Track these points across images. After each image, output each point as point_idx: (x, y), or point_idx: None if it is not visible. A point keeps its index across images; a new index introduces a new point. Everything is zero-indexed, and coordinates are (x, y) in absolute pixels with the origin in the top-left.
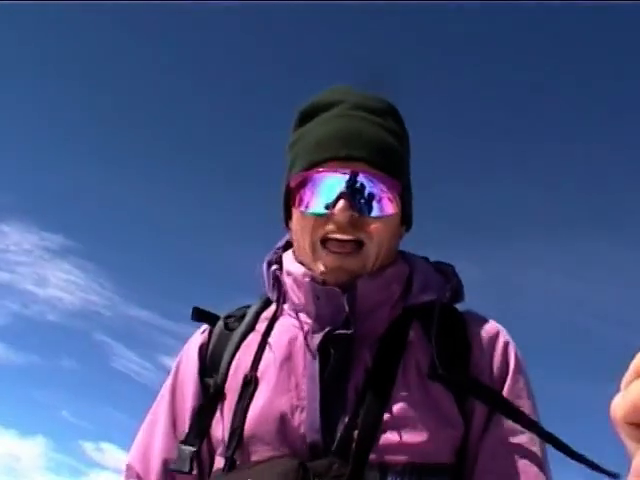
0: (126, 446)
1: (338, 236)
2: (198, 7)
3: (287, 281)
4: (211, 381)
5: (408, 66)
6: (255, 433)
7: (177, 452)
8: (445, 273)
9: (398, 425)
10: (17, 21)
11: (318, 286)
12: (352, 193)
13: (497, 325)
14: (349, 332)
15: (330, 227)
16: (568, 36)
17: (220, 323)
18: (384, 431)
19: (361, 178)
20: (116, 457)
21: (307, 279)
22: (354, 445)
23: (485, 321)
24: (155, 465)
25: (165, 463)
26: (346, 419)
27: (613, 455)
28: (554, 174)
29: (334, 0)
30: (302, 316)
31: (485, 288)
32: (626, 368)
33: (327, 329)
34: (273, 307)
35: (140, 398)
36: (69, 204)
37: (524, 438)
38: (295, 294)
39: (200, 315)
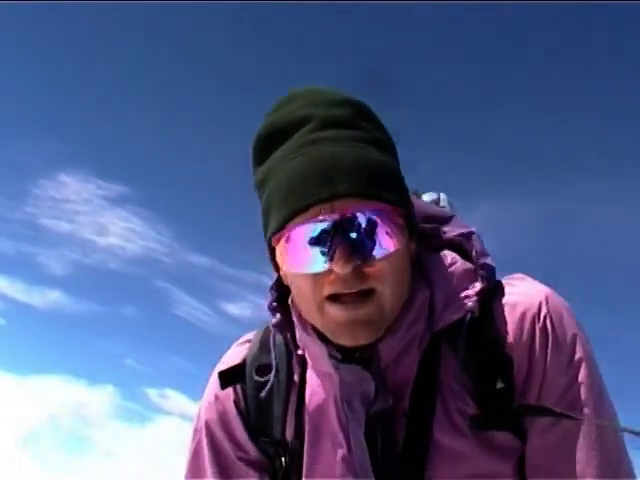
0: (188, 392)
1: (345, 291)
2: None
3: (306, 354)
4: (270, 448)
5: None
6: None
7: None
8: (464, 251)
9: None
10: None
11: (336, 363)
12: (347, 240)
13: (539, 301)
14: (387, 406)
15: (333, 284)
16: None
17: (251, 385)
18: None
19: (351, 217)
20: (179, 402)
21: (324, 353)
22: None
23: (519, 307)
24: None
25: None
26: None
27: None
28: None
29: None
30: (326, 379)
31: (547, 225)
32: None
33: (365, 408)
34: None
35: (201, 344)
36: (126, 152)
37: (587, 436)
38: (318, 363)
39: (228, 379)
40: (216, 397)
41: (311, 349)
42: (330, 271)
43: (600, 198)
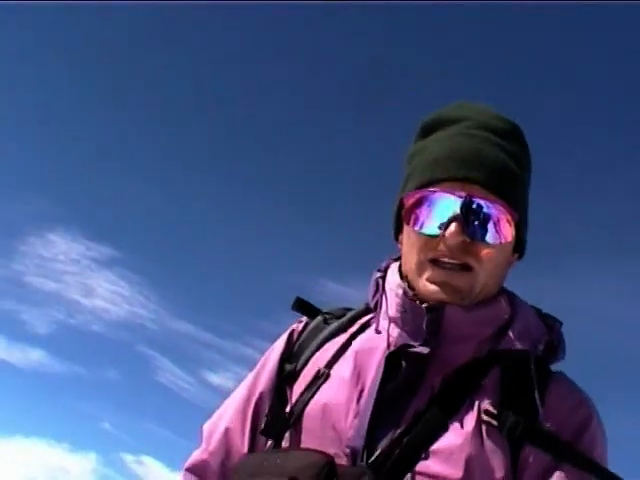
0: (165, 459)
1: (447, 259)
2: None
3: (387, 289)
4: (290, 367)
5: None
6: (306, 424)
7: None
8: (549, 326)
9: (440, 456)
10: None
11: (406, 299)
12: (466, 217)
13: (586, 397)
14: (424, 352)
15: (441, 249)
16: None
17: (319, 318)
18: (425, 458)
19: (476, 202)
20: (155, 470)
21: (400, 290)
22: (390, 463)
23: (574, 387)
24: (219, 431)
25: (227, 432)
26: (393, 436)
27: None
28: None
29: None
30: (391, 327)
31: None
32: None
33: (402, 344)
34: (369, 315)
35: (181, 412)
36: (117, 215)
37: None
38: (390, 304)
39: (301, 306)
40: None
41: (392, 283)
42: (442, 238)
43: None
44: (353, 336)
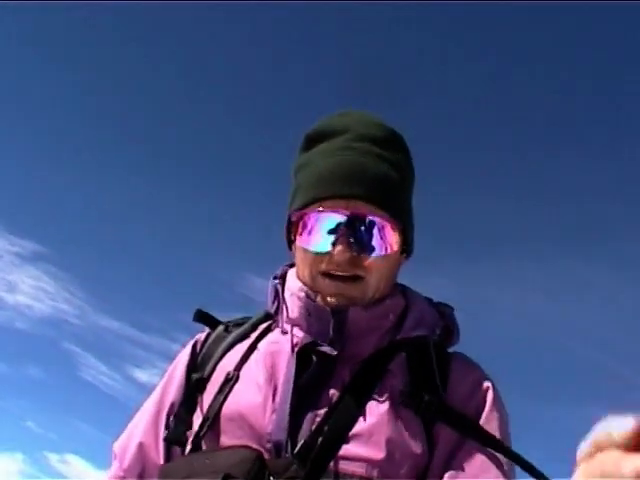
0: (90, 458)
1: (338, 273)
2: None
3: (286, 295)
4: (197, 376)
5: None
6: (225, 425)
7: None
8: (442, 314)
9: (361, 439)
10: None
11: (310, 302)
12: (351, 234)
13: (484, 372)
14: (333, 354)
15: (330, 264)
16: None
17: (221, 327)
18: (347, 442)
19: (360, 218)
20: (80, 469)
21: (302, 294)
22: (315, 450)
23: (472, 365)
24: (131, 447)
25: (141, 446)
26: (313, 426)
27: None
28: (531, 189)
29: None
30: (295, 330)
31: (458, 305)
32: (602, 391)
33: (311, 340)
34: (270, 320)
35: (107, 409)
36: (40, 209)
37: (491, 460)
38: (291, 308)
39: (201, 317)
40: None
41: (293, 288)
42: (331, 255)
43: (510, 279)
44: (257, 339)
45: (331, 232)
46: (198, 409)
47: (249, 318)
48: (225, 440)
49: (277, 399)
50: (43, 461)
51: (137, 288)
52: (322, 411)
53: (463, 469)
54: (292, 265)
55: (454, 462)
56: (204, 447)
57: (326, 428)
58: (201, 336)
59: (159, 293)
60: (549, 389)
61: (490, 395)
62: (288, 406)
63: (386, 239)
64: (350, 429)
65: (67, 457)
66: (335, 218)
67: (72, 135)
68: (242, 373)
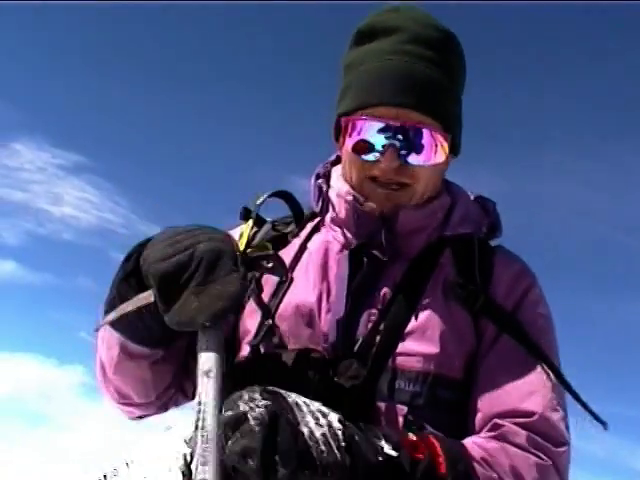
0: None
1: (385, 181)
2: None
3: (331, 195)
4: (250, 275)
5: None
6: (282, 326)
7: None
8: (486, 209)
9: (416, 335)
10: None
11: (359, 207)
12: (400, 143)
13: (525, 265)
14: (384, 259)
15: (378, 171)
16: None
17: (268, 225)
18: (403, 339)
19: (410, 128)
20: None
21: (350, 197)
22: (374, 349)
23: (514, 258)
24: None
25: None
26: (369, 324)
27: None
28: (585, 85)
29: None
30: (344, 229)
31: (509, 200)
32: None
33: (363, 241)
34: (317, 219)
35: None
36: (82, 121)
37: (525, 359)
38: (338, 209)
39: (247, 215)
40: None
41: (340, 190)
42: (378, 162)
43: (560, 173)
44: (307, 239)
45: (380, 140)
46: (253, 311)
47: (294, 217)
48: (282, 341)
49: (331, 299)
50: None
51: (180, 195)
52: (376, 310)
53: (498, 365)
54: (335, 162)
55: (492, 357)
56: (262, 349)
57: (382, 326)
58: (251, 229)
59: (203, 200)
60: (601, 283)
61: (530, 290)
62: (343, 306)
63: (435, 149)
64: (405, 326)
65: None
66: (385, 126)
67: (115, 47)
68: (295, 274)
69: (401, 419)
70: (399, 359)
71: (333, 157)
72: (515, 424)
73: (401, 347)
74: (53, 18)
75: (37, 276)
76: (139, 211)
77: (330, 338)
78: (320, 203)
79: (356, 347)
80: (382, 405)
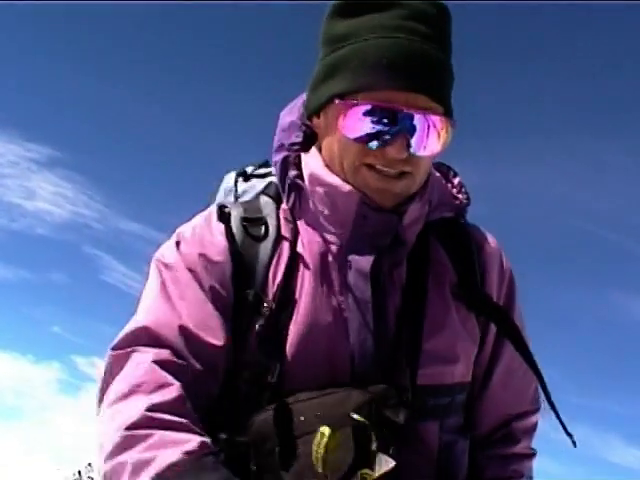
0: None
1: (386, 169)
2: None
3: (317, 190)
4: (250, 292)
5: None
6: (298, 357)
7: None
8: (445, 176)
9: (441, 351)
10: None
11: (366, 208)
12: (409, 132)
13: (497, 243)
14: (397, 260)
15: (379, 158)
16: None
17: (237, 224)
18: (429, 356)
19: (419, 116)
20: None
21: (355, 198)
22: (408, 372)
23: (487, 240)
24: (181, 330)
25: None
26: (389, 345)
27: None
28: (549, 67)
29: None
30: (327, 229)
31: (485, 192)
32: (620, 272)
33: (375, 255)
34: (287, 212)
35: (129, 311)
36: (54, 114)
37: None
38: (324, 206)
39: (222, 216)
40: (200, 231)
41: (339, 188)
42: (383, 150)
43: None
44: (294, 242)
45: (386, 127)
46: (255, 333)
47: (256, 198)
48: (300, 373)
49: (348, 321)
50: (71, 365)
51: (155, 189)
52: (392, 326)
53: (507, 367)
54: (299, 149)
55: (499, 358)
56: (281, 384)
57: (404, 346)
58: (226, 238)
59: (177, 193)
60: (567, 272)
61: (513, 282)
62: (370, 334)
63: (441, 138)
64: (427, 341)
65: (94, 360)
66: (392, 113)
67: (87, 38)
68: (297, 291)
69: (434, 439)
70: (429, 377)
71: (299, 138)
72: (526, 425)
73: (429, 365)
74: (21, 10)
75: (10, 271)
76: (114, 205)
77: (356, 366)
78: (292, 198)
79: (383, 373)
80: (417, 425)
